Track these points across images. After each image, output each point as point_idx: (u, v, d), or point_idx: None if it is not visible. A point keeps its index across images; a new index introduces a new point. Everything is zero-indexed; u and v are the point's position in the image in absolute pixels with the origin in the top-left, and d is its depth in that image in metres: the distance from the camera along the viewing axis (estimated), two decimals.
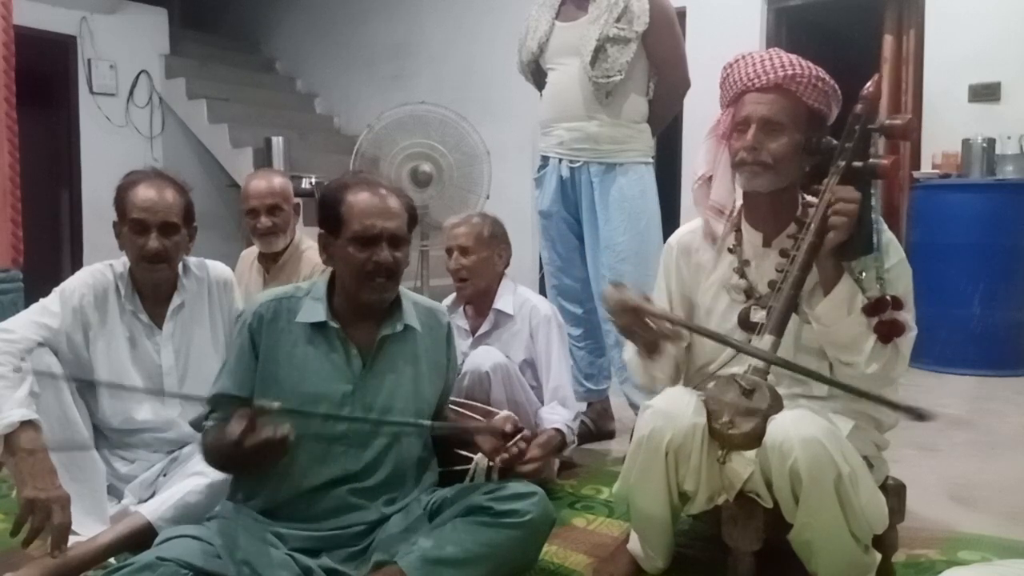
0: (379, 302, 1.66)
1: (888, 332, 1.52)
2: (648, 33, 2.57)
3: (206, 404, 1.65)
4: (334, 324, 1.63)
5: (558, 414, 2.35)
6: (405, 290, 1.75)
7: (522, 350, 2.45)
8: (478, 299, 2.51)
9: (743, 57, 1.69)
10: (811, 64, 1.64)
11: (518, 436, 1.70)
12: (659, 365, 1.72)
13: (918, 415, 1.39)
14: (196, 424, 1.68)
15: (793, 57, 1.65)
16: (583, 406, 2.79)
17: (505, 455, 1.72)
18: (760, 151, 1.61)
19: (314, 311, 1.63)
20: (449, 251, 2.49)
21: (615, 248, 2.65)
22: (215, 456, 1.55)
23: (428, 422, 1.69)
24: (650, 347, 1.68)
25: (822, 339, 1.60)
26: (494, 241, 2.48)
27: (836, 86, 1.66)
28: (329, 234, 1.65)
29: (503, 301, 2.48)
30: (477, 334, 2.50)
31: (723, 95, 1.73)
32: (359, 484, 1.63)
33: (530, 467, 2.01)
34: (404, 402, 1.67)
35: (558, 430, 2.30)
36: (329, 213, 1.64)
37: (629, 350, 1.79)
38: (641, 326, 1.61)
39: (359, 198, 1.62)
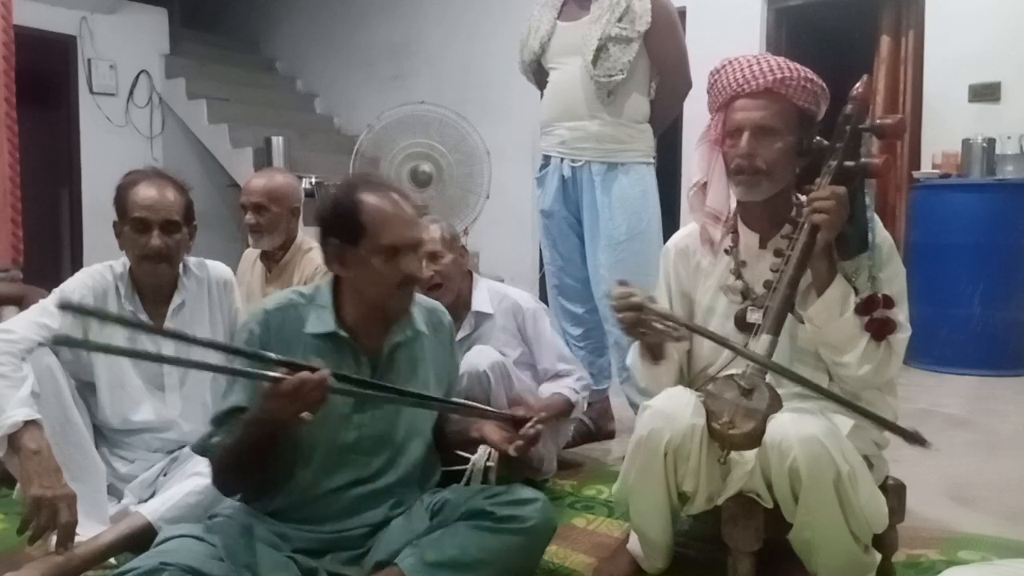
0: (405, 312, 1.63)
1: (879, 330, 1.53)
2: (650, 33, 2.57)
3: (211, 423, 1.58)
4: (343, 334, 1.58)
5: (559, 384, 2.39)
6: None
7: (513, 347, 2.43)
8: (452, 304, 2.38)
9: (730, 62, 1.68)
10: (799, 66, 1.64)
11: (530, 423, 1.63)
12: (663, 370, 1.72)
13: (914, 439, 1.43)
14: (200, 448, 1.57)
15: (781, 60, 1.65)
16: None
17: (520, 443, 1.62)
18: (755, 157, 1.61)
19: (322, 321, 1.57)
20: None
21: (616, 248, 2.64)
22: (232, 454, 1.49)
23: (446, 400, 1.71)
24: (654, 349, 1.67)
25: (815, 340, 1.60)
26: (455, 242, 2.43)
27: (824, 85, 1.66)
28: (344, 242, 1.54)
29: (480, 302, 2.44)
30: (456, 340, 2.45)
31: (711, 100, 1.73)
32: (368, 488, 1.62)
33: (533, 431, 1.74)
34: (411, 408, 1.65)
35: (562, 395, 2.35)
36: (345, 221, 1.53)
37: (633, 354, 1.79)
38: (645, 325, 1.61)
39: (382, 206, 1.53)
